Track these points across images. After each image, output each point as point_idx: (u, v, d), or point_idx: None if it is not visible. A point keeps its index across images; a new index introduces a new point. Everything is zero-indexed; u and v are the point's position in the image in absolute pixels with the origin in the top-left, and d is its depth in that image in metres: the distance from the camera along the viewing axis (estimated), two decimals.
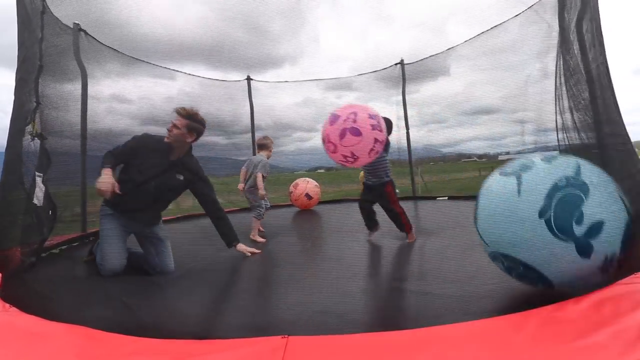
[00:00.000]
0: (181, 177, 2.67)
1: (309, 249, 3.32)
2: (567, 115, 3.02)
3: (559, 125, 3.19)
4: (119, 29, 3.91)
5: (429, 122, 6.91)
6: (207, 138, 6.30)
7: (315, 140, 8.01)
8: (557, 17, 3.12)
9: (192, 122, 2.57)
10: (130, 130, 4.21)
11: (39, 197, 2.37)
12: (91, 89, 3.93)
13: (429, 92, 6.75)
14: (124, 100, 4.24)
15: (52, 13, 2.96)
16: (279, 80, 6.88)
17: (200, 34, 4.36)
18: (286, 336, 1.26)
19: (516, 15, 4.33)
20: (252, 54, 5.28)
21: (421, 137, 6.89)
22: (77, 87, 3.79)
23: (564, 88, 3.05)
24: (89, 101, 3.89)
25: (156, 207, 2.72)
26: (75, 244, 3.45)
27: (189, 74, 5.99)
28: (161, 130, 2.72)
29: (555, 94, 3.17)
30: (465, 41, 5.52)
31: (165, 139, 2.59)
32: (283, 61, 6.51)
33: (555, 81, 3.15)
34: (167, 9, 3.88)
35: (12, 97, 2.37)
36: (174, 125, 2.55)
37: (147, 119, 4.69)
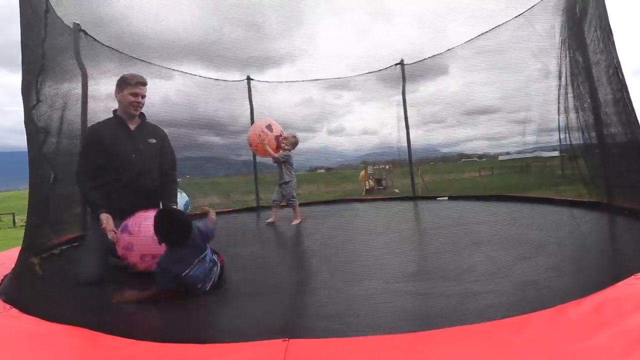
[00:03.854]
0: (153, 140, 2.62)
1: (308, 251, 3.32)
2: (572, 115, 3.01)
3: (562, 125, 3.17)
4: (113, 27, 3.89)
5: (428, 122, 6.91)
6: (205, 138, 6.33)
7: (315, 141, 8.02)
8: (559, 17, 3.10)
9: (143, 84, 2.59)
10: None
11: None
12: (89, 89, 3.93)
13: (429, 91, 6.75)
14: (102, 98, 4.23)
15: (54, 12, 2.95)
16: (278, 80, 6.88)
17: (197, 32, 4.34)
18: (287, 339, 1.26)
19: (517, 16, 4.33)
20: (250, 53, 5.26)
21: (421, 137, 6.88)
22: (76, 86, 3.78)
23: (569, 87, 3.03)
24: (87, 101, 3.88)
25: (148, 187, 2.55)
26: (75, 244, 3.44)
27: (187, 73, 5.97)
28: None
29: (559, 93, 3.16)
30: (466, 42, 5.51)
31: (119, 112, 2.59)
32: (281, 60, 6.50)
33: (560, 80, 3.14)
34: (163, 6, 3.86)
35: (10, 98, 2.37)
36: (142, 96, 2.57)
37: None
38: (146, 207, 2.34)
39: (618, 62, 2.60)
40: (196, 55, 5.27)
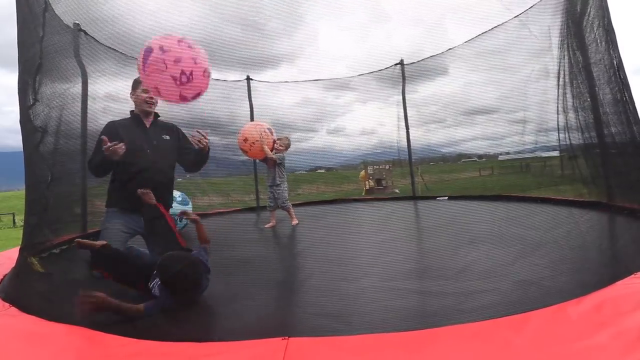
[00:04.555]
0: (167, 137, 2.74)
1: (307, 250, 3.32)
2: (572, 115, 3.00)
3: (562, 125, 3.17)
4: (111, 27, 3.87)
5: (428, 122, 6.91)
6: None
7: (315, 141, 8.00)
8: (559, 16, 3.10)
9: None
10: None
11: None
12: (89, 88, 3.93)
13: (429, 91, 6.75)
14: (119, 99, 4.21)
15: (53, 11, 2.94)
16: (278, 81, 6.87)
17: (195, 32, 4.31)
18: (286, 338, 1.26)
19: (517, 16, 4.33)
20: (249, 53, 5.22)
21: (421, 137, 6.88)
22: (74, 86, 3.77)
23: (568, 87, 3.03)
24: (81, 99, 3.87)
25: (162, 182, 2.65)
26: (74, 244, 3.44)
27: None
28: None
29: (558, 93, 3.15)
30: (466, 42, 5.52)
31: (136, 111, 2.71)
32: (280, 60, 6.48)
33: (558, 80, 3.14)
34: (160, 5, 3.83)
35: (9, 98, 2.37)
36: (144, 91, 2.62)
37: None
38: (159, 201, 2.42)
39: (620, 61, 2.60)
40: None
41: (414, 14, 4.74)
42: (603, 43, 2.66)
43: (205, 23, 4.17)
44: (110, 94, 4.16)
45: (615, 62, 2.60)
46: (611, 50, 2.63)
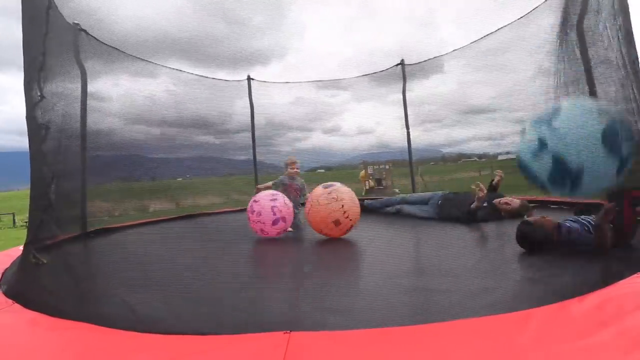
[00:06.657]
0: None
1: (310, 247, 3.32)
2: None
3: None
4: (99, 25, 3.84)
5: (428, 122, 6.91)
6: (200, 137, 6.27)
7: (314, 140, 8.01)
8: (559, 15, 3.10)
9: None
10: (118, 129, 4.13)
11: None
12: (89, 87, 3.92)
13: (429, 91, 6.75)
14: (104, 99, 4.17)
15: (57, 8, 2.94)
16: (278, 81, 6.86)
17: (184, 30, 4.28)
18: (288, 332, 1.26)
19: (521, 18, 4.32)
20: (243, 51, 5.21)
21: (421, 137, 6.87)
22: (75, 85, 3.76)
23: (569, 86, 3.02)
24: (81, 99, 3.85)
25: None
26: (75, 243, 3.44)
27: (191, 73, 5.93)
28: (149, 130, 2.73)
29: (559, 92, 3.15)
30: (469, 43, 5.51)
31: None
32: (270, 57, 6.47)
33: (560, 80, 3.14)
34: (144, 2, 3.80)
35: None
36: None
37: (129, 117, 4.57)
38: None
39: (635, 59, 2.58)
40: (189, 53, 5.22)
41: (408, 9, 4.73)
42: (612, 40, 2.63)
43: (197, 20, 4.16)
44: (107, 93, 4.14)
45: (631, 59, 2.57)
46: (622, 48, 2.60)
